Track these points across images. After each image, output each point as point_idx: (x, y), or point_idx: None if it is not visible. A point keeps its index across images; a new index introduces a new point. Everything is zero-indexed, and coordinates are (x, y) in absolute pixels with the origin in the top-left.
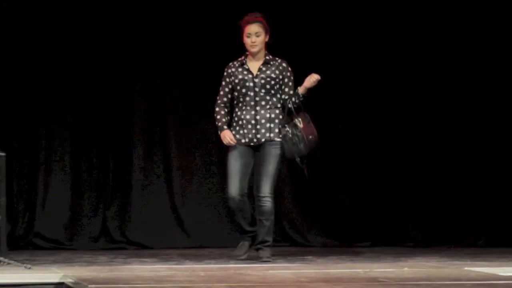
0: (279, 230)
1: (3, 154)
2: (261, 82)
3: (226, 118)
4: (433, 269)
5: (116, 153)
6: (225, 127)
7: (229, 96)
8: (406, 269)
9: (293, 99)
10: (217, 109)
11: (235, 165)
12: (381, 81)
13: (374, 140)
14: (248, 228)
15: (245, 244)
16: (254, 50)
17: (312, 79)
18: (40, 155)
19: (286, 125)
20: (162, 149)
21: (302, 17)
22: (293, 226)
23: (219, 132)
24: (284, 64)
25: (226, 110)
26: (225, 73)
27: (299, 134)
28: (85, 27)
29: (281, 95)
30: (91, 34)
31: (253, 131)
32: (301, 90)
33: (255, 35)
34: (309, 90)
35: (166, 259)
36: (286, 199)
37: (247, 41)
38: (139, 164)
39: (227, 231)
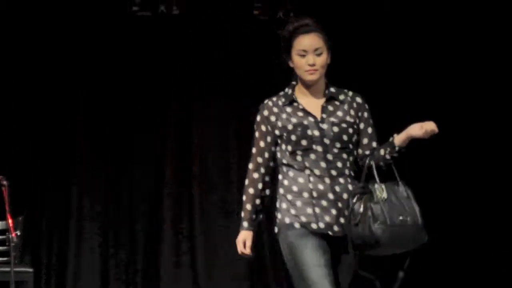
0: None
1: (30, 270)
2: (333, 130)
3: (256, 203)
4: None
5: None
6: (245, 224)
7: (270, 155)
8: None
9: (383, 153)
10: (247, 183)
11: (314, 263)
12: None
13: None
14: None
15: None
16: (313, 77)
17: (427, 127)
18: None
19: (357, 194)
20: None
21: None
22: None
23: (241, 226)
24: (358, 99)
25: (260, 185)
26: (258, 118)
27: (376, 209)
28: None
29: (357, 150)
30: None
31: (333, 211)
32: (399, 140)
33: (314, 53)
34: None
35: None
36: None
37: (300, 63)
38: None
39: None
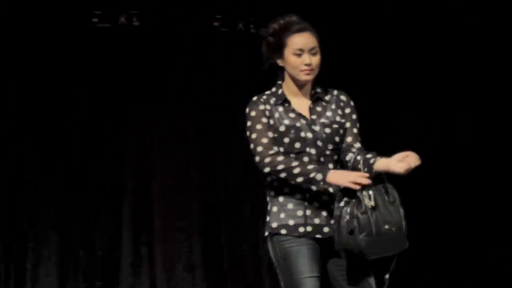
0: None
1: None
2: (325, 132)
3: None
4: None
5: None
6: (329, 166)
7: (276, 147)
8: None
9: (361, 168)
10: (279, 158)
11: (307, 273)
12: None
13: None
14: None
15: None
16: (309, 78)
17: (409, 163)
18: None
19: (343, 200)
20: None
21: None
22: None
23: (318, 179)
24: (343, 97)
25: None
26: (254, 113)
27: (363, 219)
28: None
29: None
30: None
31: (324, 213)
32: (378, 168)
33: (310, 53)
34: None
35: None
36: None
37: (296, 62)
38: None
39: None
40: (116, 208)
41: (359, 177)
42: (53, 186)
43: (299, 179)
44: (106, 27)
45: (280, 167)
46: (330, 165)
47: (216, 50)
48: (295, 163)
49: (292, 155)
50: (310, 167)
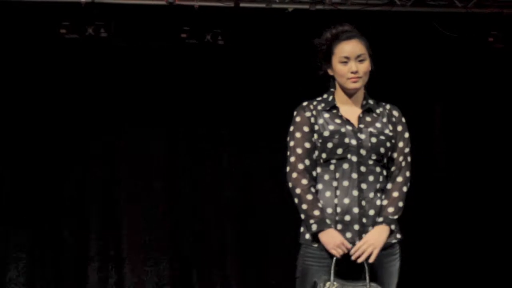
0: None
1: None
2: (370, 141)
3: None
4: None
5: None
6: (328, 221)
7: (312, 157)
8: None
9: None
10: (303, 181)
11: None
12: None
13: None
14: None
15: None
16: (356, 85)
17: (356, 253)
18: None
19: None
20: None
21: None
22: None
23: (313, 229)
24: (395, 113)
25: (314, 184)
26: (298, 119)
27: None
28: None
29: (390, 167)
30: None
31: (356, 227)
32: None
33: (356, 60)
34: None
35: None
36: None
37: (343, 70)
38: None
39: None
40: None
41: (343, 248)
42: None
43: (302, 215)
44: (74, 38)
45: (297, 191)
46: (371, 177)
47: (184, 61)
48: (309, 197)
49: (333, 161)
50: (316, 213)
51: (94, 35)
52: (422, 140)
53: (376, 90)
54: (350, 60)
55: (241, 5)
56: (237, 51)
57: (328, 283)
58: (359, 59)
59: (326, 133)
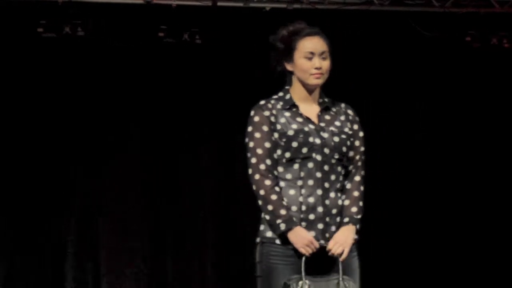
0: None
1: None
2: (333, 140)
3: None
4: None
5: None
6: (294, 219)
7: (273, 157)
8: None
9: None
10: (266, 182)
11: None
12: None
13: None
14: None
15: None
16: (318, 82)
17: (333, 251)
18: None
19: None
20: None
21: None
22: None
23: (281, 228)
24: (350, 112)
25: (278, 189)
26: (257, 119)
27: None
28: None
29: (348, 166)
30: None
31: (320, 226)
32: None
33: (320, 57)
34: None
35: None
36: None
37: (306, 66)
38: None
39: None
40: None
41: (312, 247)
42: None
43: (267, 216)
44: (51, 37)
45: (261, 192)
46: (333, 176)
47: (161, 61)
48: (274, 198)
49: (297, 160)
50: (283, 212)
51: (71, 34)
52: (400, 138)
53: (353, 88)
54: (314, 56)
55: (219, 4)
56: (215, 50)
57: (300, 282)
58: (322, 56)
59: (290, 132)
